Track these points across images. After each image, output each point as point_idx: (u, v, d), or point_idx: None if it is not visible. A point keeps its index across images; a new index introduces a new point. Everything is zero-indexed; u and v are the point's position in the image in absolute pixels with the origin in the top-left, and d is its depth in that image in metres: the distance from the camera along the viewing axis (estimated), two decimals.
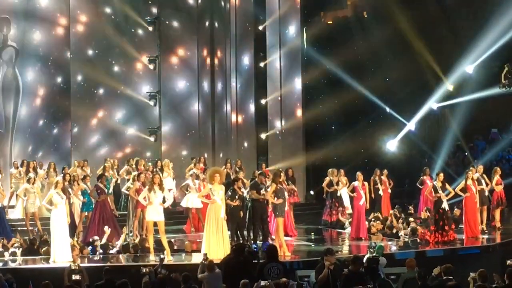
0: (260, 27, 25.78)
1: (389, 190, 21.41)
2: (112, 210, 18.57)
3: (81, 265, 13.65)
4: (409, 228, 18.48)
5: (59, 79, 24.15)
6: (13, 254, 15.83)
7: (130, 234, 17.77)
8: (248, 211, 16.82)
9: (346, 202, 20.37)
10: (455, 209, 19.14)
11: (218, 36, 25.57)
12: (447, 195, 17.38)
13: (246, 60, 26.18)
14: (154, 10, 24.76)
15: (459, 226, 18.40)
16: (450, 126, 26.47)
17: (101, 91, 24.79)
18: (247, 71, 26.15)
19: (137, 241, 16.84)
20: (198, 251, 15.81)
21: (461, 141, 26.55)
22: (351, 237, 18.18)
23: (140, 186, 17.21)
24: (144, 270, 12.09)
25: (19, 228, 18.87)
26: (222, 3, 25.68)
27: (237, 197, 16.64)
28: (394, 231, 18.51)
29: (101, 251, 16.27)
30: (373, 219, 19.37)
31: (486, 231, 18.84)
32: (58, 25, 24.05)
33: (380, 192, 21.03)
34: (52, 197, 15.51)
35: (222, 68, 25.62)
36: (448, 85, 26.11)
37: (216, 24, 25.40)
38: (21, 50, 23.74)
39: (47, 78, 24.06)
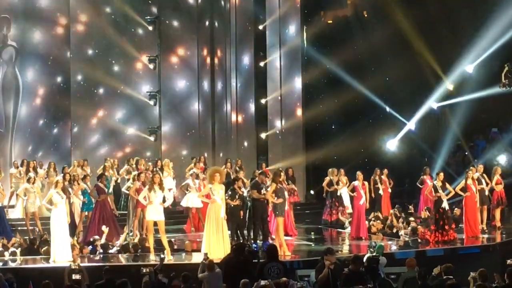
0: (260, 27, 25.77)
1: (389, 190, 21.40)
2: (112, 210, 18.57)
3: (81, 264, 13.66)
4: (409, 228, 18.49)
5: (59, 79, 24.16)
6: (13, 254, 15.84)
7: (130, 234, 17.77)
8: (248, 211, 16.82)
9: (346, 201, 20.36)
10: (455, 209, 19.14)
11: (218, 36, 25.57)
12: (447, 195, 17.38)
13: (246, 59, 26.18)
14: (154, 9, 24.76)
15: (459, 225, 18.40)
16: (450, 126, 26.45)
17: (101, 90, 24.79)
18: (247, 71, 26.15)
19: (136, 240, 16.85)
20: (198, 250, 15.82)
21: (461, 140, 26.54)
22: (351, 237, 18.18)
23: (140, 185, 17.20)
24: (144, 271, 12.09)
25: (19, 228, 18.87)
26: (222, 3, 25.68)
27: (237, 196, 16.65)
28: (394, 230, 18.52)
29: (101, 250, 16.27)
30: (373, 219, 19.37)
31: (486, 231, 18.84)
32: (58, 25, 24.06)
33: (380, 191, 21.02)
34: (52, 196, 15.51)
35: (222, 68, 25.62)
36: (448, 85, 26.09)
37: (216, 24, 25.40)
38: (21, 50, 23.76)
39: (47, 78, 24.07)
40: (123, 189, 19.68)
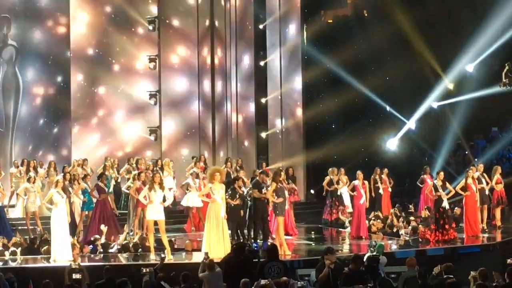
0: (261, 26, 25.79)
1: (390, 189, 21.40)
2: (112, 209, 18.58)
3: (82, 264, 13.67)
4: (409, 227, 18.49)
5: (59, 78, 24.14)
6: (14, 253, 15.85)
7: (131, 233, 17.77)
8: (248, 210, 16.82)
9: (347, 201, 20.36)
10: (456, 208, 19.14)
11: (218, 35, 25.56)
12: (447, 194, 17.38)
13: (247, 59, 26.18)
14: (154, 9, 24.74)
15: (460, 225, 18.40)
16: (451, 125, 26.47)
17: (101, 90, 24.78)
18: (247, 70, 26.16)
19: (136, 238, 16.85)
20: (199, 250, 15.82)
21: (461, 139, 26.55)
22: (352, 236, 18.19)
23: (140, 185, 17.19)
24: (144, 271, 12.09)
25: (19, 227, 18.87)
26: (222, 2, 25.67)
27: (237, 196, 16.64)
28: (395, 230, 18.51)
29: (101, 250, 16.27)
30: (373, 218, 19.37)
31: (486, 230, 18.84)
32: (58, 24, 24.03)
33: (381, 191, 21.01)
34: (53, 196, 15.51)
35: (222, 67, 25.61)
36: (448, 84, 26.11)
37: (216, 23, 25.38)
38: (21, 49, 23.73)
39: (47, 77, 24.05)
40: (124, 189, 19.67)
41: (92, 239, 16.75)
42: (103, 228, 16.85)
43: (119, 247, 16.37)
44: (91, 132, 24.64)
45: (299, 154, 25.64)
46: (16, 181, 20.86)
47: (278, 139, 25.96)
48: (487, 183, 19.12)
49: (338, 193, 20.33)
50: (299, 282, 11.81)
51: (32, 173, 19.81)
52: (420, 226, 18.28)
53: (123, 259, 15.90)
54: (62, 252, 15.15)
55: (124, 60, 24.77)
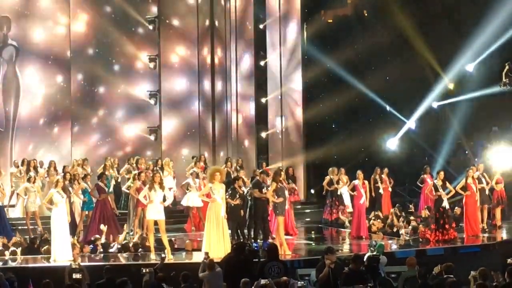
0: (261, 26, 25.77)
1: (390, 189, 21.40)
2: (112, 209, 18.56)
3: (82, 264, 13.67)
4: (409, 227, 18.49)
5: (59, 78, 24.13)
6: (14, 253, 15.85)
7: (131, 233, 17.77)
8: (248, 210, 16.82)
9: (347, 200, 20.37)
10: (456, 208, 19.14)
11: (218, 35, 25.55)
12: (447, 194, 17.39)
13: (247, 58, 26.17)
14: (154, 9, 24.74)
15: (460, 224, 18.40)
16: (451, 125, 26.46)
17: (101, 90, 24.78)
18: (247, 70, 26.14)
19: (136, 238, 16.85)
20: (199, 250, 15.82)
21: (461, 139, 26.53)
22: (352, 236, 18.19)
23: (140, 185, 17.19)
24: (144, 271, 12.09)
25: (19, 227, 18.87)
26: (222, 2, 25.67)
27: (237, 195, 16.64)
28: (395, 229, 18.52)
29: (101, 250, 16.27)
30: (373, 218, 19.38)
31: (486, 230, 18.84)
32: (58, 24, 24.02)
33: (381, 190, 21.02)
34: (53, 196, 15.52)
35: (222, 67, 25.61)
36: (449, 84, 26.09)
37: (216, 23, 25.39)
38: (21, 49, 23.73)
39: (48, 77, 24.03)
40: (124, 188, 19.68)
41: (92, 239, 16.75)
42: (103, 228, 16.86)
43: (119, 247, 16.38)
44: (91, 132, 24.64)
45: (299, 154, 25.64)
46: (16, 180, 20.86)
47: (278, 139, 25.95)
48: (487, 183, 19.12)
49: (338, 193, 20.33)
50: (299, 282, 11.82)
51: (32, 173, 19.82)
52: (420, 226, 18.28)
53: (123, 259, 15.90)
54: (62, 252, 15.16)
55: (124, 60, 24.78)
